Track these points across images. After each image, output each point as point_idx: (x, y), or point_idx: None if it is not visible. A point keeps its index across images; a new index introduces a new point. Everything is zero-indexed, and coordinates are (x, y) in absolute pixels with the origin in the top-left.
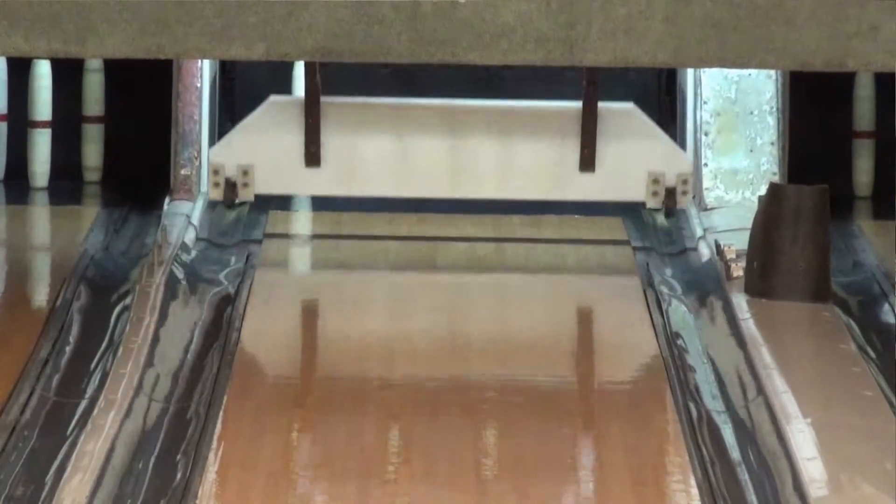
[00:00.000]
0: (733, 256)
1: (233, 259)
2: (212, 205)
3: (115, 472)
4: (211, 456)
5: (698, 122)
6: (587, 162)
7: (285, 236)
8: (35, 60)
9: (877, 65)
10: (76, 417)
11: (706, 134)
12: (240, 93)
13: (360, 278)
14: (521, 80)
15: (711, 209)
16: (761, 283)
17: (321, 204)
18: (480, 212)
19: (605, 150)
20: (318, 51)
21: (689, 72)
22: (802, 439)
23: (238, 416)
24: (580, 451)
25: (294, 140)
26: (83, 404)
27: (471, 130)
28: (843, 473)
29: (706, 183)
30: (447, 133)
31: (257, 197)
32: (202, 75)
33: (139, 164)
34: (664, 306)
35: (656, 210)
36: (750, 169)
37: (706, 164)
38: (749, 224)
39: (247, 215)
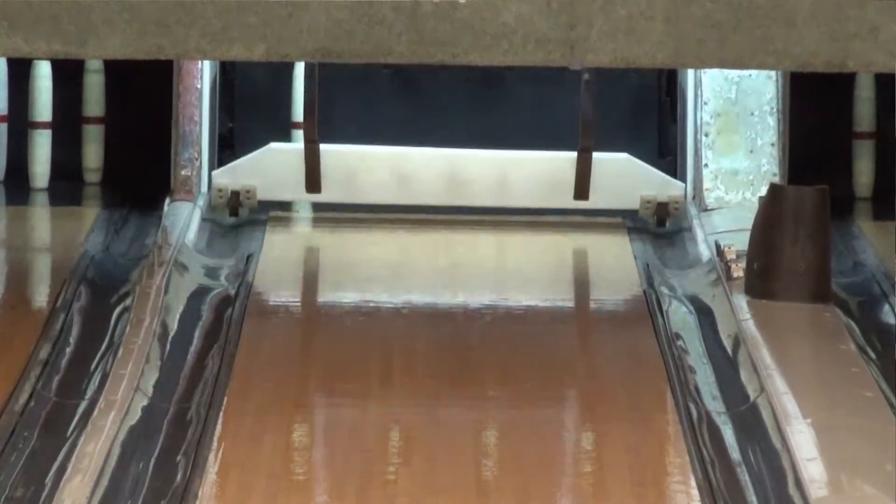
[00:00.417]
0: (733, 257)
1: (233, 260)
2: (212, 206)
3: (115, 473)
4: (211, 457)
5: (698, 122)
6: (581, 193)
7: (286, 237)
8: (35, 61)
9: (877, 65)
10: (76, 418)
11: (706, 135)
12: (240, 94)
13: (360, 279)
14: (520, 80)
15: (712, 210)
16: (761, 283)
17: (323, 206)
18: (480, 215)
19: (600, 182)
20: (318, 51)
21: (690, 72)
22: (802, 440)
23: (238, 416)
24: (580, 452)
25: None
26: (83, 405)
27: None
28: (843, 474)
29: (706, 184)
30: (447, 177)
31: (260, 202)
32: (202, 76)
33: (139, 164)
34: (664, 307)
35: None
36: (750, 170)
37: (706, 165)
38: (749, 225)
39: (247, 217)
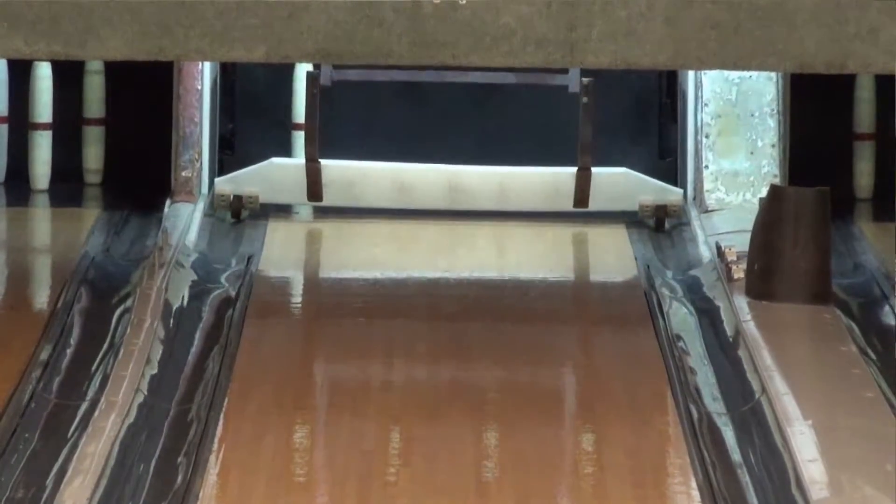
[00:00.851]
0: (734, 258)
1: (234, 261)
2: (212, 207)
3: (115, 475)
4: (212, 458)
5: (699, 124)
6: (581, 202)
7: (286, 239)
8: (36, 62)
9: (877, 67)
10: (77, 419)
11: (707, 136)
12: (240, 95)
13: (361, 280)
14: (522, 90)
15: (712, 211)
16: (762, 285)
17: (323, 209)
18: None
19: (599, 190)
20: (318, 53)
21: (690, 74)
22: (803, 441)
23: (239, 418)
24: (581, 453)
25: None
26: (84, 406)
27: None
28: (843, 475)
29: (707, 185)
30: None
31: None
32: (203, 77)
33: (140, 166)
34: (665, 308)
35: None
36: (751, 171)
37: (707, 167)
38: (750, 226)
39: (248, 218)
